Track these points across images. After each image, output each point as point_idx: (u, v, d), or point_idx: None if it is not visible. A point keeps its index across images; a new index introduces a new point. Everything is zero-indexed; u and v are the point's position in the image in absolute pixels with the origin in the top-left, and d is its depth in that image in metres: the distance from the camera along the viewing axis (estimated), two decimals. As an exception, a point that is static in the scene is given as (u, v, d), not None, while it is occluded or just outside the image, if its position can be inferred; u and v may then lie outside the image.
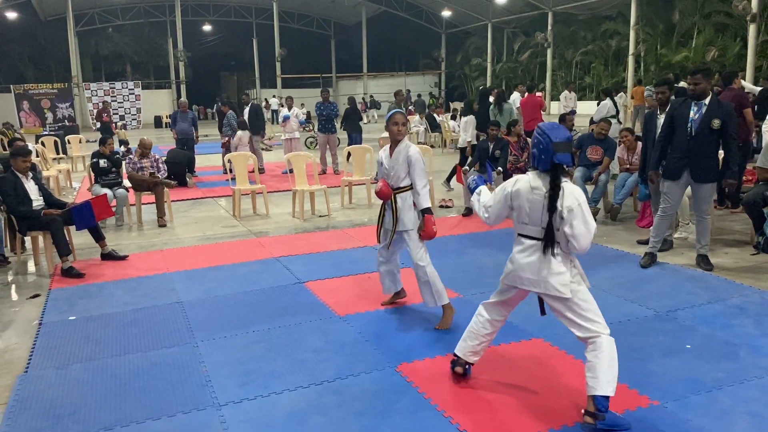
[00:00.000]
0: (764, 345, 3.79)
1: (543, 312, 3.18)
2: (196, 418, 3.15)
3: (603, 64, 29.61)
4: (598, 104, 12.42)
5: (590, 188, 7.21)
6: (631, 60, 26.20)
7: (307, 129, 17.08)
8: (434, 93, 36.07)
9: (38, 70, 36.01)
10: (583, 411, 2.93)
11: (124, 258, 6.22)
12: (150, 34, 38.00)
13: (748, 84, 13.08)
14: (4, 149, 11.58)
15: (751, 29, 20.02)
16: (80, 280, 5.54)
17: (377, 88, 37.87)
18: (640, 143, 6.62)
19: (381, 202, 4.40)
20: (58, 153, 14.23)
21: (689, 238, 6.14)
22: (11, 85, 28.96)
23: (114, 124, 18.60)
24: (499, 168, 7.60)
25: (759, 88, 10.61)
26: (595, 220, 7.05)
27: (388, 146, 4.31)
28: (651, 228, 5.59)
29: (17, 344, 4.22)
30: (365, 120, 29.99)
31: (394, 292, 4.67)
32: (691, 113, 5.08)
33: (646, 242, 5.70)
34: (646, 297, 4.68)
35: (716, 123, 4.98)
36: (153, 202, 7.99)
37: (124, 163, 8.25)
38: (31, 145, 8.75)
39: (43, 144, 13.02)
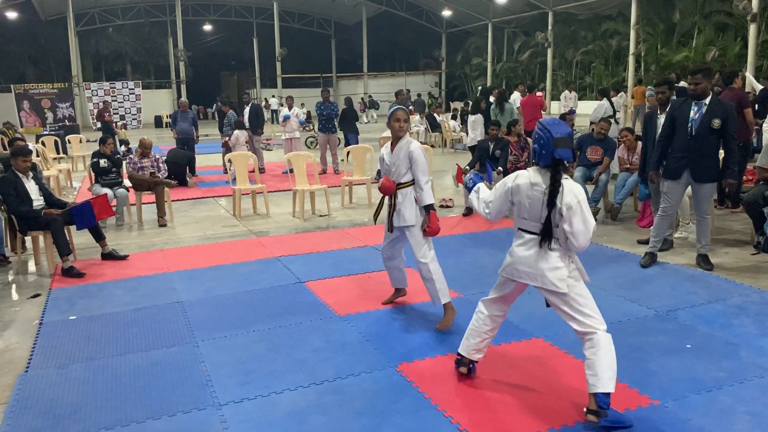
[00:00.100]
0: (764, 344, 3.79)
1: (548, 304, 3.18)
2: (196, 418, 3.15)
3: (603, 63, 29.60)
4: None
5: (590, 188, 7.22)
6: (631, 60, 26.19)
7: (307, 129, 17.08)
8: (433, 93, 36.05)
9: (38, 70, 36.02)
10: (585, 409, 2.93)
11: (124, 258, 6.22)
12: (150, 33, 38.00)
13: (750, 77, 13.09)
14: (5, 149, 11.59)
15: (752, 29, 20.00)
16: (81, 280, 5.54)
17: (377, 87, 37.88)
18: (640, 143, 6.62)
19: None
20: (58, 153, 14.23)
21: (689, 238, 6.14)
22: (11, 85, 28.95)
23: (114, 124, 18.60)
24: (500, 168, 7.60)
25: (760, 87, 10.63)
26: (596, 219, 7.08)
27: (389, 143, 4.32)
28: (651, 228, 5.59)
29: (18, 344, 4.22)
30: (365, 120, 30.05)
31: (403, 286, 4.68)
32: (692, 113, 5.08)
33: (646, 242, 5.70)
34: (646, 297, 4.68)
35: (716, 123, 4.98)
36: (153, 202, 7.99)
37: (124, 162, 8.26)
38: (31, 145, 8.74)
39: (43, 144, 13.03)
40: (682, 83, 11.18)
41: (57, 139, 14.53)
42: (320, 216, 8.17)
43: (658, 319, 4.25)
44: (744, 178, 7.35)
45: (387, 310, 4.60)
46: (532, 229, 3.02)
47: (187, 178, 10.99)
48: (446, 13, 35.55)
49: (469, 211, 7.80)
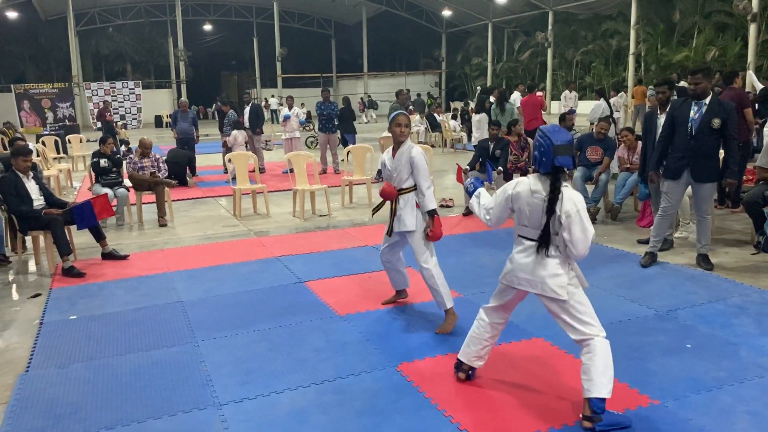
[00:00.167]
0: (764, 344, 3.80)
1: None
2: (196, 418, 3.15)
3: (603, 63, 29.62)
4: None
5: (590, 188, 7.22)
6: (631, 59, 26.21)
7: (307, 128, 17.08)
8: (432, 93, 36.06)
9: (39, 70, 36.04)
10: (581, 416, 2.93)
11: (124, 257, 6.22)
12: (150, 33, 38.01)
13: (752, 75, 13.09)
14: (5, 149, 11.60)
15: (752, 29, 20.02)
16: (81, 280, 5.54)
17: (378, 87, 37.89)
18: (640, 143, 6.62)
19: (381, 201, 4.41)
20: (58, 152, 14.24)
21: (690, 238, 6.15)
22: (12, 85, 28.98)
23: (115, 124, 18.60)
24: (500, 168, 7.60)
25: (761, 86, 10.64)
26: (596, 219, 7.10)
27: (391, 148, 4.31)
28: (651, 227, 5.59)
29: (18, 343, 4.22)
30: (365, 120, 30.04)
31: (404, 287, 4.68)
32: (692, 113, 5.08)
33: (646, 242, 5.70)
34: (646, 296, 4.68)
35: (716, 122, 4.98)
36: (153, 202, 7.99)
37: (124, 162, 8.26)
38: (31, 145, 8.75)
39: (43, 143, 13.03)
40: (682, 83, 11.19)
41: (57, 138, 14.54)
42: (320, 216, 8.17)
43: (658, 319, 4.25)
44: (744, 178, 7.35)
45: (387, 309, 4.60)
46: (532, 237, 3.02)
47: (188, 178, 10.99)
48: (446, 13, 35.58)
49: (469, 211, 7.80)
